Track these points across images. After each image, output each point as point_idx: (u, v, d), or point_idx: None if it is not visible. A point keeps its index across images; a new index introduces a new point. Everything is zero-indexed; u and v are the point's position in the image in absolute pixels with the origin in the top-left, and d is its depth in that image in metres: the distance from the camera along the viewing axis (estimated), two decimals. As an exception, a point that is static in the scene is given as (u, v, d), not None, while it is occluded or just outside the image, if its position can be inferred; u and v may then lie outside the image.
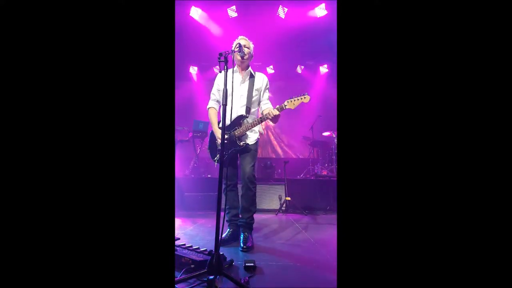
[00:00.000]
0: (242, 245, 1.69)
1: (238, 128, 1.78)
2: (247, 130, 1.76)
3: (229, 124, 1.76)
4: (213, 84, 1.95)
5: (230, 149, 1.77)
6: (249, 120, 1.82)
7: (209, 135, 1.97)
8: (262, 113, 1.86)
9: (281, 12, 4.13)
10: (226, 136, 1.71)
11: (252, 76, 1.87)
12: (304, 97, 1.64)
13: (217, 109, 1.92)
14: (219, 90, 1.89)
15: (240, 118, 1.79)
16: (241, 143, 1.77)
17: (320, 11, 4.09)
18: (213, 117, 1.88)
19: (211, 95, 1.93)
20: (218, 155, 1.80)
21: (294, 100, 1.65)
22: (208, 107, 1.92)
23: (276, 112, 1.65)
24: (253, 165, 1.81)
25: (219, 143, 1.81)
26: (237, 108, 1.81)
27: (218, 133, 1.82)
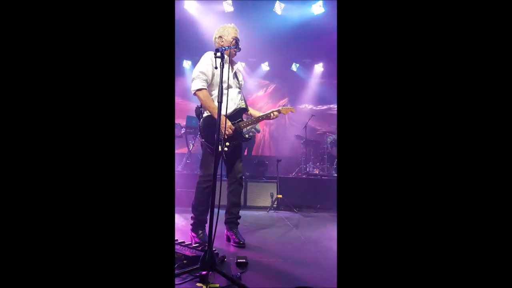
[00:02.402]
0: (238, 240, 1.68)
1: (242, 120, 1.74)
2: (252, 124, 1.76)
3: (232, 115, 1.70)
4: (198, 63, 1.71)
5: (235, 141, 1.69)
6: (249, 113, 1.85)
7: (201, 121, 1.69)
8: (264, 114, 1.86)
9: (278, 8, 4.11)
10: (231, 131, 1.65)
11: (237, 69, 1.90)
12: (293, 108, 1.90)
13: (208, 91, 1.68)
14: (206, 72, 1.64)
15: (243, 111, 1.77)
16: (247, 136, 1.77)
17: (317, 8, 4.09)
18: (209, 99, 1.62)
19: (200, 74, 1.61)
20: (226, 146, 1.63)
21: (287, 109, 1.86)
22: (197, 88, 1.60)
23: (277, 114, 1.79)
24: (241, 160, 1.84)
25: (225, 132, 1.59)
26: (236, 100, 1.75)
27: (221, 119, 1.57)
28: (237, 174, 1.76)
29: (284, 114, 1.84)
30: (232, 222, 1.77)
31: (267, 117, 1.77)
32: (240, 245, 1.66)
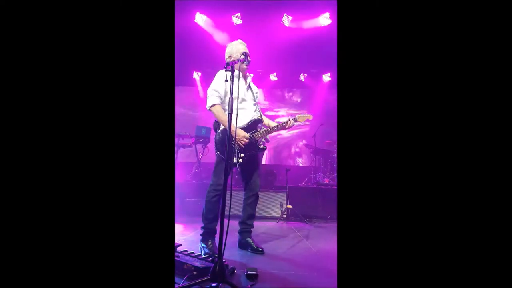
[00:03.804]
0: (257, 247, 1.75)
1: (257, 131, 1.78)
2: (267, 134, 1.78)
3: (247, 127, 1.76)
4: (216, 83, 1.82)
5: (250, 152, 1.73)
6: (263, 124, 1.88)
7: (215, 135, 1.77)
8: (281, 123, 1.85)
9: (286, 20, 4.20)
10: (246, 140, 1.71)
11: (251, 82, 1.95)
12: (310, 116, 1.86)
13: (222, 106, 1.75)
14: (219, 90, 1.74)
15: (258, 122, 1.81)
16: (261, 146, 1.78)
17: (324, 20, 4.16)
18: (223, 115, 1.68)
19: (213, 92, 1.71)
20: (240, 157, 1.69)
21: (303, 116, 1.84)
22: (211, 104, 1.69)
23: (293, 123, 1.80)
24: (259, 174, 1.88)
25: (237, 144, 1.68)
26: (251, 112, 1.82)
27: (240, 132, 1.68)
28: (255, 188, 1.84)
29: (301, 122, 1.83)
30: (248, 231, 1.85)
31: (282, 126, 1.80)
32: (259, 252, 1.73)
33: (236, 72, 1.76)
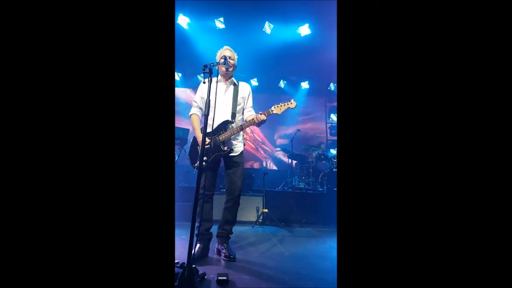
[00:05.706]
0: (229, 254, 1.70)
1: (223, 133, 1.75)
2: (232, 135, 1.74)
3: (214, 129, 1.74)
4: (196, 92, 1.97)
5: (213, 154, 1.72)
6: (234, 125, 1.80)
7: (190, 141, 1.92)
8: (246, 120, 1.83)
9: (267, 28, 4.29)
10: (209, 141, 1.69)
11: (235, 85, 1.90)
12: (291, 103, 1.68)
13: (200, 116, 1.90)
14: (202, 98, 1.86)
15: (226, 124, 1.77)
16: (225, 148, 1.73)
17: (304, 30, 4.31)
18: (196, 123, 1.86)
19: (193, 103, 1.92)
20: (204, 160, 1.73)
21: (281, 106, 1.68)
22: (190, 113, 1.91)
23: (263, 117, 1.66)
24: (242, 179, 1.81)
25: (199, 148, 1.77)
26: (223, 115, 1.79)
27: (200, 137, 1.73)
28: (235, 192, 1.78)
29: (278, 113, 1.66)
30: (223, 236, 1.80)
31: (249, 123, 1.69)
32: (231, 259, 1.68)
33: (219, 77, 1.82)
